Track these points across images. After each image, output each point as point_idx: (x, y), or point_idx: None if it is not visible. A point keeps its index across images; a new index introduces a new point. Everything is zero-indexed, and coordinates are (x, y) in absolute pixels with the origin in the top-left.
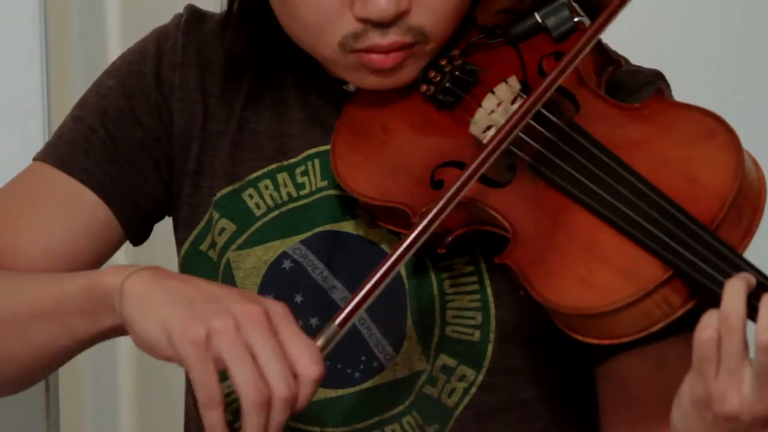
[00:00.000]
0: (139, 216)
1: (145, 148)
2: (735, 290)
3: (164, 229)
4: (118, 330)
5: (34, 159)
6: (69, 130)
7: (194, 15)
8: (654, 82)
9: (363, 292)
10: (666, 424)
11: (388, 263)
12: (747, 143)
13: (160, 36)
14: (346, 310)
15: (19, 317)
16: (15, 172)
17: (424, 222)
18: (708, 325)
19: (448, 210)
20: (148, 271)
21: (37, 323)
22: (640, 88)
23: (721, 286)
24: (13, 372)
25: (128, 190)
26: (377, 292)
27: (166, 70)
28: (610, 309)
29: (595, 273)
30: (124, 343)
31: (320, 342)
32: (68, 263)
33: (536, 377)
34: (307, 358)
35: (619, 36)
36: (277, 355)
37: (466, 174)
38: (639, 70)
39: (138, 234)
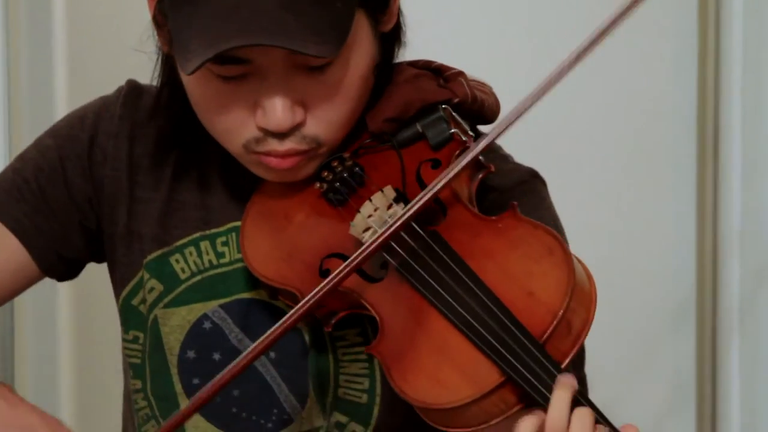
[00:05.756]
0: (60, 263)
1: (73, 205)
2: (561, 399)
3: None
4: None
5: None
6: (6, 180)
7: (133, 89)
8: (526, 181)
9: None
10: None
11: (249, 351)
12: None
13: (100, 105)
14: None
15: None
16: None
17: (293, 316)
18: None
19: (316, 299)
20: None
21: None
22: (512, 188)
23: (541, 394)
24: None
25: (50, 242)
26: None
27: (101, 138)
28: (453, 406)
29: (443, 372)
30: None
31: None
32: None
33: None
34: None
35: None
36: None
37: (341, 272)
38: (515, 169)
39: (60, 274)
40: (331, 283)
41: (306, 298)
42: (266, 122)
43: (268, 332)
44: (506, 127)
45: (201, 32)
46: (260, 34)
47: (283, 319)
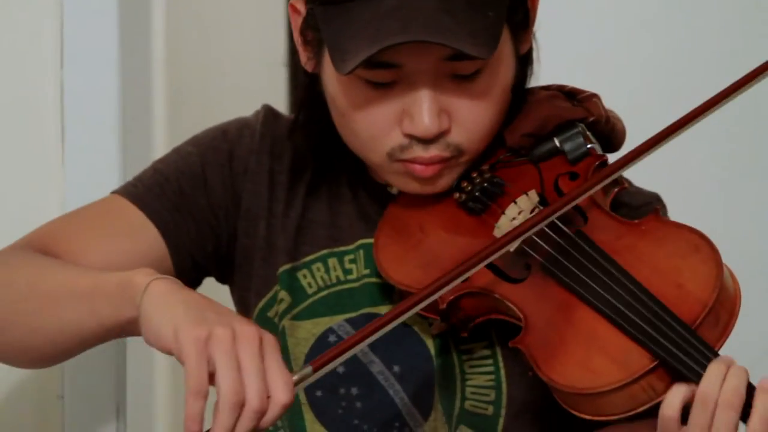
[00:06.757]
0: (191, 264)
1: (210, 212)
2: (715, 369)
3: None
4: (133, 326)
5: (112, 192)
6: (147, 177)
7: (271, 112)
8: (652, 203)
9: (347, 345)
10: None
11: (378, 324)
12: None
13: (242, 123)
14: (324, 359)
15: (57, 293)
16: None
17: (424, 293)
18: (672, 405)
19: (447, 288)
20: (170, 280)
21: (71, 302)
22: (639, 207)
23: (698, 376)
24: (38, 344)
25: (186, 240)
26: (358, 347)
27: (242, 153)
28: (603, 390)
29: (592, 359)
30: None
31: (295, 377)
32: None
33: None
34: (282, 385)
35: None
36: (259, 374)
37: (475, 259)
38: (640, 192)
39: (187, 279)
40: (473, 263)
41: (449, 272)
42: (413, 128)
43: (412, 296)
44: (659, 144)
45: (359, 33)
46: (421, 32)
47: (434, 282)
